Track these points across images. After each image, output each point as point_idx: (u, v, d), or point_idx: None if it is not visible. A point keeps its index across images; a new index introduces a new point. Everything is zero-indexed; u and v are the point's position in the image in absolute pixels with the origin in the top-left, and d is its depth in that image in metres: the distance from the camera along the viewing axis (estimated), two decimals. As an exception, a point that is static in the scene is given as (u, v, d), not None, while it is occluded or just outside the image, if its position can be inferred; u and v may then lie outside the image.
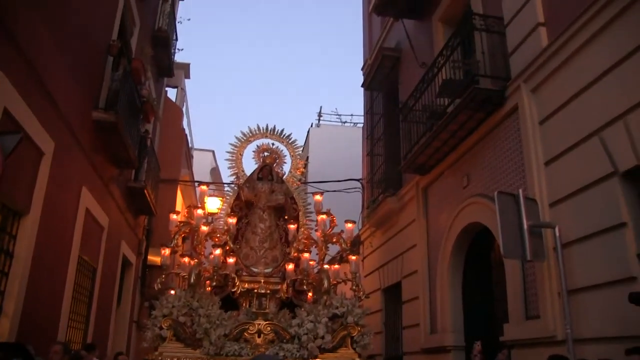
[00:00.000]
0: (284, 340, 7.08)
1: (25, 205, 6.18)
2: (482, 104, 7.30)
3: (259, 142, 9.82)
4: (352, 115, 31.29)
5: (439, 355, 8.63)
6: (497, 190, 6.96)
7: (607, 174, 5.25)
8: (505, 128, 7.24)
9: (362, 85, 14.19)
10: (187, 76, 19.63)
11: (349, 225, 8.71)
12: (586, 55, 5.69)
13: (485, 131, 7.67)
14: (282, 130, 9.88)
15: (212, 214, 9.21)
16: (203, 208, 8.77)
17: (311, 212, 9.33)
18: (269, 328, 7.21)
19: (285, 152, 9.87)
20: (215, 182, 18.57)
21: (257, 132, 9.71)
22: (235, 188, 9.48)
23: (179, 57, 16.35)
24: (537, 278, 6.25)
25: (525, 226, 5.54)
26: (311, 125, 25.64)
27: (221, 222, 9.06)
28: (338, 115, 26.18)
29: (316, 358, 6.90)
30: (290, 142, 9.83)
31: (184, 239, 8.67)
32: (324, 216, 8.52)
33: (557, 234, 5.60)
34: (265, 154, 9.71)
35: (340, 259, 9.38)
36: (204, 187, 9.31)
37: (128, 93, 9.23)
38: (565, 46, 5.95)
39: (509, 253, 5.61)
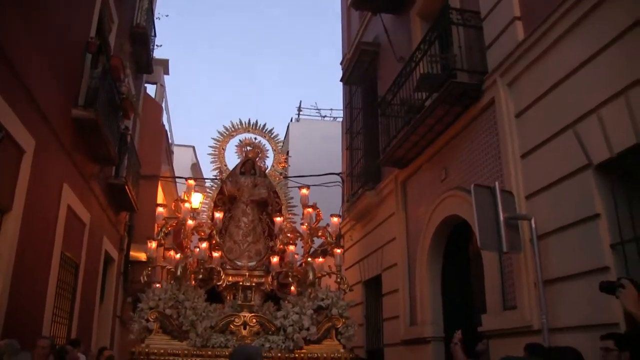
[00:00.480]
0: (270, 332, 7.17)
1: (7, 202, 6.22)
2: (459, 98, 7.41)
3: (242, 136, 9.86)
4: (331, 109, 31.43)
5: (418, 346, 8.75)
6: (475, 183, 7.14)
7: (581, 166, 5.36)
8: (482, 122, 7.36)
9: (340, 80, 14.27)
10: (166, 72, 19.55)
11: (335, 219, 8.81)
12: (561, 50, 5.80)
13: (463, 125, 7.79)
14: (264, 125, 9.93)
15: (194, 209, 9.21)
16: (190, 202, 8.78)
17: (294, 206, 9.40)
18: (254, 320, 7.29)
19: (268, 146, 9.92)
20: (197, 177, 18.51)
21: (240, 126, 9.74)
22: (218, 182, 9.51)
23: (157, 54, 16.31)
24: (514, 269, 6.38)
25: (501, 218, 5.66)
26: (291, 120, 25.69)
27: (204, 217, 9.11)
28: (318, 109, 26.28)
29: (301, 349, 6.98)
30: (272, 136, 9.88)
31: (166, 234, 8.68)
32: (310, 209, 8.58)
33: (533, 226, 5.74)
34: (248, 148, 9.74)
35: (324, 252, 9.45)
36: (191, 182, 9.36)
37: (107, 90, 9.24)
38: (541, 40, 6.05)
39: (486, 245, 5.73)
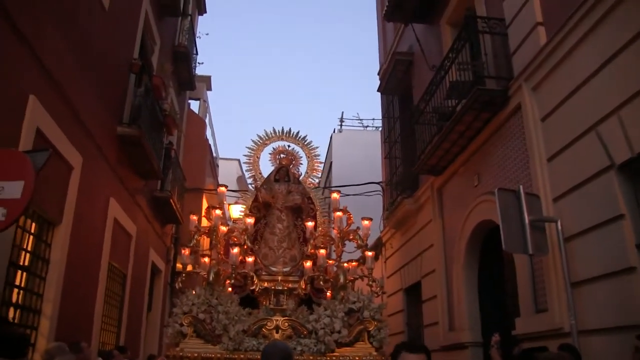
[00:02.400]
0: (302, 336, 7.21)
1: (58, 215, 6.62)
2: (486, 104, 7.52)
3: (275, 144, 9.98)
4: (373, 119, 31.53)
5: (457, 352, 8.81)
6: (501, 187, 7.22)
7: (604, 167, 5.40)
8: (510, 126, 7.44)
9: (378, 90, 14.46)
10: (209, 88, 20.10)
11: (366, 222, 8.76)
12: (581, 52, 5.87)
13: (492, 130, 7.88)
14: (298, 133, 10.03)
15: (235, 220, 9.40)
16: (222, 208, 8.88)
17: (330, 212, 9.44)
18: (286, 324, 7.34)
19: (302, 153, 9.99)
20: (237, 189, 18.89)
21: (273, 135, 9.86)
22: (253, 190, 9.65)
23: (200, 70, 16.83)
24: (544, 272, 6.42)
25: (526, 221, 5.73)
26: (333, 131, 25.94)
27: (240, 223, 9.23)
28: (360, 119, 26.51)
29: (333, 352, 6.99)
30: (305, 143, 9.96)
31: (211, 240, 8.88)
32: (340, 213, 8.59)
33: (560, 228, 5.77)
34: (282, 155, 9.84)
35: (364, 260, 9.47)
36: (222, 189, 9.36)
37: (150, 108, 9.66)
38: (562, 44, 6.13)
39: (511, 247, 5.78)
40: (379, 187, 15.31)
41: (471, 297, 8.80)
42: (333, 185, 19.84)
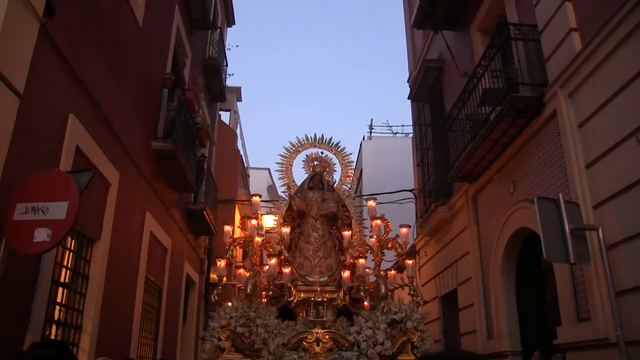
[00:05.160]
0: (343, 348, 7.08)
1: (96, 231, 6.73)
2: (521, 111, 7.44)
3: (308, 151, 9.88)
4: (402, 125, 31.44)
5: (497, 360, 8.72)
6: (542, 195, 7.13)
7: (646, 173, 5.33)
8: (546, 133, 7.35)
9: (408, 97, 14.42)
10: (239, 99, 20.26)
11: (404, 230, 8.63)
12: (618, 58, 5.78)
13: (528, 137, 7.79)
14: (331, 139, 9.90)
15: (268, 230, 9.33)
16: (257, 218, 8.78)
17: (364, 219, 9.35)
18: (327, 336, 7.21)
19: (335, 160, 9.87)
20: (270, 199, 18.96)
21: (306, 141, 9.78)
22: (287, 198, 9.54)
23: (230, 82, 16.97)
24: (585, 280, 6.31)
25: (567, 229, 5.63)
26: (363, 138, 25.94)
27: (275, 234, 9.15)
28: (389, 126, 26.49)
29: None
30: (338, 150, 9.83)
31: (245, 254, 8.80)
32: (379, 221, 8.43)
33: (601, 236, 5.66)
34: (315, 162, 9.74)
35: (399, 268, 9.34)
36: (256, 199, 9.23)
37: (183, 121, 9.77)
38: (598, 50, 6.05)
39: (552, 257, 5.68)
40: (410, 195, 15.24)
41: (509, 305, 8.69)
42: (364, 192, 19.82)
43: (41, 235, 4.20)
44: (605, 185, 6.01)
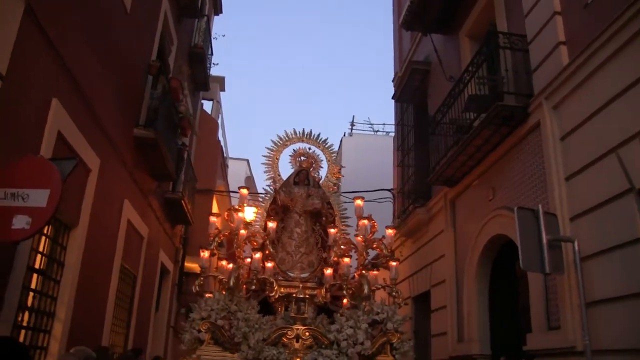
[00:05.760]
0: (323, 346, 7.01)
1: (74, 218, 6.64)
2: (505, 120, 7.52)
3: (295, 146, 9.69)
4: (384, 124, 31.52)
5: (466, 363, 8.82)
6: (520, 204, 7.21)
7: (623, 190, 5.40)
8: (528, 143, 7.44)
9: (392, 97, 14.45)
10: (222, 89, 20.12)
11: (390, 231, 8.57)
12: (605, 74, 5.87)
13: (510, 146, 7.87)
14: (319, 135, 9.74)
15: (249, 223, 9.21)
16: (243, 211, 8.65)
17: (347, 218, 9.24)
18: (307, 333, 7.14)
19: (322, 156, 9.71)
20: (251, 192, 18.89)
21: (294, 136, 9.60)
22: (272, 192, 9.41)
23: (214, 71, 16.85)
24: (557, 290, 6.42)
25: (544, 240, 5.72)
26: (344, 135, 25.97)
27: (257, 227, 8.99)
28: (370, 124, 26.50)
29: None
30: (326, 146, 9.69)
31: (219, 244, 8.67)
32: (366, 221, 8.32)
33: (576, 248, 5.76)
34: (302, 158, 9.58)
35: (374, 265, 9.30)
36: (244, 191, 9.04)
37: (166, 110, 9.67)
38: (585, 65, 6.13)
39: (528, 266, 5.78)
40: (389, 194, 15.30)
41: (481, 309, 8.79)
42: (343, 189, 19.80)
43: (20, 222, 4.14)
44: (583, 198, 6.10)
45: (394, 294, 7.96)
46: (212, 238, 8.33)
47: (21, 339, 5.63)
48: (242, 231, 8.33)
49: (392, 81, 15.41)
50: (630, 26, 5.44)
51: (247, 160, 28.46)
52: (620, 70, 5.63)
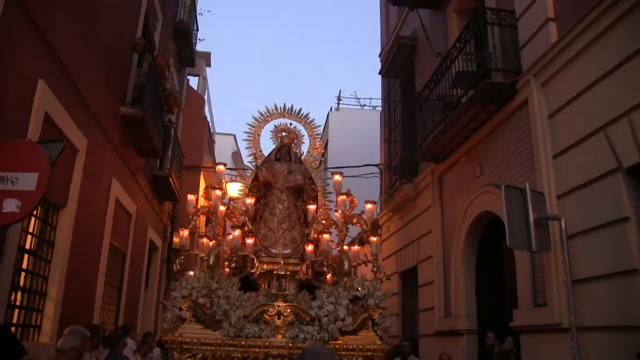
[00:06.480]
0: (304, 322, 6.98)
1: (63, 198, 6.63)
2: (493, 97, 7.52)
3: (277, 122, 9.46)
4: (370, 98, 31.45)
5: (452, 338, 8.94)
6: (508, 181, 7.27)
7: (611, 169, 5.45)
8: (516, 120, 7.46)
9: (379, 73, 14.38)
10: (208, 64, 19.94)
11: (369, 206, 8.35)
12: (594, 52, 5.86)
13: (497, 123, 7.89)
14: (300, 110, 9.53)
15: (233, 199, 9.12)
16: (221, 188, 8.45)
17: (330, 193, 9.06)
18: (288, 310, 7.11)
19: (304, 132, 9.50)
20: (235, 167, 18.85)
21: (275, 111, 9.36)
22: (254, 168, 9.23)
23: (200, 47, 16.67)
24: (544, 267, 6.50)
25: (531, 219, 5.76)
26: (330, 109, 25.86)
27: (240, 203, 8.82)
28: (357, 98, 26.38)
29: (337, 340, 6.75)
30: (308, 121, 9.47)
31: (207, 221, 8.60)
32: (344, 197, 8.19)
33: (563, 226, 5.81)
34: (283, 134, 9.39)
35: (360, 241, 9.31)
36: (221, 167, 8.82)
37: (153, 87, 9.59)
38: (574, 42, 6.12)
39: (515, 244, 5.81)
40: (376, 169, 15.34)
41: (468, 285, 8.91)
42: (329, 165, 19.81)
43: (10, 205, 4.13)
44: (570, 177, 6.15)
45: (374, 269, 7.95)
46: (190, 216, 8.27)
47: (14, 318, 5.68)
48: (221, 207, 8.26)
49: (379, 56, 15.34)
50: (620, 4, 5.42)
51: (234, 135, 28.34)
52: (609, 48, 5.62)
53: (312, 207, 8.35)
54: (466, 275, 8.92)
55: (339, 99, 25.98)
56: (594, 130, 5.76)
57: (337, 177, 8.52)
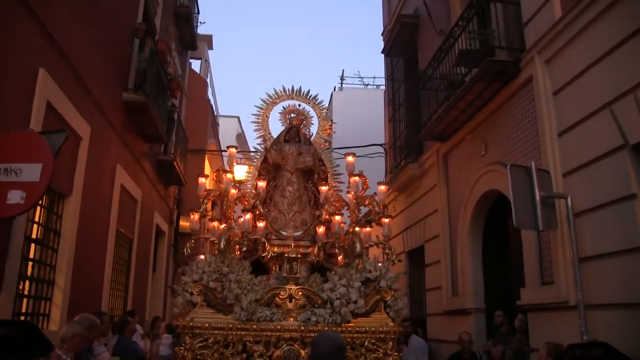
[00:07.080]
0: (316, 305, 6.89)
1: (68, 186, 6.65)
2: (497, 75, 7.46)
3: (285, 103, 9.41)
4: (374, 77, 31.27)
5: (460, 317, 8.97)
6: (513, 159, 7.23)
7: (617, 146, 5.41)
8: (520, 98, 7.40)
9: (382, 52, 14.28)
10: (210, 47, 19.82)
11: (382, 187, 8.40)
12: (598, 28, 5.78)
13: (502, 101, 7.83)
14: (308, 91, 9.47)
15: (239, 181, 9.09)
16: (232, 172, 8.44)
17: (340, 174, 9.10)
18: (300, 293, 7.00)
19: (312, 113, 9.47)
20: (240, 149, 18.77)
21: (283, 93, 9.32)
22: (263, 151, 9.24)
23: (201, 30, 16.57)
24: (551, 245, 6.49)
25: (537, 197, 5.74)
26: (334, 89, 25.71)
27: (249, 186, 8.85)
28: (360, 77, 26.27)
29: (349, 323, 6.70)
30: (316, 102, 9.43)
31: (213, 205, 8.55)
32: (357, 178, 8.11)
33: (569, 204, 5.80)
34: (292, 115, 9.34)
35: (368, 222, 9.26)
36: (232, 150, 8.82)
37: (155, 72, 9.55)
38: (578, 18, 6.03)
39: (521, 223, 5.80)
40: (380, 149, 15.29)
41: (475, 263, 8.90)
42: (334, 145, 19.72)
43: (15, 197, 4.14)
44: (576, 154, 6.11)
45: (386, 251, 7.91)
46: (201, 200, 8.23)
47: (23, 307, 5.73)
48: (233, 191, 8.22)
49: (382, 34, 15.21)
50: (623, -20, 5.35)
51: (238, 118, 28.20)
52: (614, 24, 5.55)
53: (324, 188, 8.27)
54: (473, 253, 8.92)
55: (342, 78, 25.84)
56: (599, 107, 5.70)
57: (350, 159, 8.39)
